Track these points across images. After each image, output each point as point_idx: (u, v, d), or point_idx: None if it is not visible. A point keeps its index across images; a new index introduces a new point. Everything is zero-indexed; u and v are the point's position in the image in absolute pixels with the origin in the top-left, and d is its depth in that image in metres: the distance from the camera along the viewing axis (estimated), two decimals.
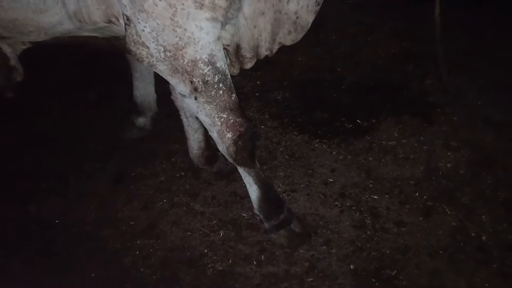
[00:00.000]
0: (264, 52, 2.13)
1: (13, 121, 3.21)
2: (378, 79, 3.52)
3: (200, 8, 1.67)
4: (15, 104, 2.86)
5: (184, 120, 2.67)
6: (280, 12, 1.99)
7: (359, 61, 3.74)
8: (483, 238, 2.35)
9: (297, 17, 2.05)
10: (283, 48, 2.21)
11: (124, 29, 1.81)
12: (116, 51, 2.70)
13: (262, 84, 3.55)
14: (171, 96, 2.62)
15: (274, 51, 2.16)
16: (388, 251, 2.33)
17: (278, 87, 3.51)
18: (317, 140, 3.00)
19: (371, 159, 2.84)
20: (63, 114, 3.29)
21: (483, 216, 2.45)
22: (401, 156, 2.84)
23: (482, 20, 3.97)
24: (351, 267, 2.28)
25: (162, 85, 3.04)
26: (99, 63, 3.53)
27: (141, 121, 3.12)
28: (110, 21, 1.88)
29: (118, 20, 1.85)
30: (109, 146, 3.08)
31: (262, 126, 3.14)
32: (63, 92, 3.43)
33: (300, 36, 2.15)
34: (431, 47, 3.64)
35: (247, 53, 2.10)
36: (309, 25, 2.12)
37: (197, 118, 2.63)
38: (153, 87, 3.04)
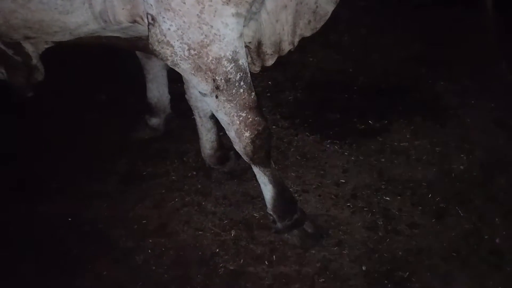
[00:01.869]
0: (287, 46, 2.12)
1: (23, 121, 3.22)
2: (389, 80, 3.51)
3: (227, 3, 1.67)
4: (25, 104, 2.87)
5: (198, 119, 2.67)
6: (301, 3, 1.99)
7: (371, 62, 3.72)
8: (497, 241, 2.33)
9: (316, 7, 2.04)
10: (294, 49, 2.20)
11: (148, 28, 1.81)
12: (136, 51, 2.71)
13: (273, 84, 3.55)
14: (185, 95, 2.62)
15: (295, 44, 2.15)
16: (400, 253, 2.32)
17: (289, 88, 3.50)
18: (328, 141, 2.99)
19: (383, 160, 2.83)
20: (73, 114, 3.29)
21: (497, 219, 2.43)
22: (413, 157, 2.83)
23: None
24: (363, 268, 2.27)
25: (173, 84, 3.06)
26: (108, 64, 3.53)
27: (155, 121, 3.12)
28: (134, 21, 1.88)
29: (143, 20, 1.85)
30: (119, 146, 3.07)
31: (274, 126, 3.12)
32: (73, 92, 3.44)
33: (319, 26, 2.14)
34: (442, 50, 3.67)
35: (268, 49, 2.09)
36: (328, 14, 2.11)
37: (210, 117, 2.63)
38: (167, 88, 3.05)
